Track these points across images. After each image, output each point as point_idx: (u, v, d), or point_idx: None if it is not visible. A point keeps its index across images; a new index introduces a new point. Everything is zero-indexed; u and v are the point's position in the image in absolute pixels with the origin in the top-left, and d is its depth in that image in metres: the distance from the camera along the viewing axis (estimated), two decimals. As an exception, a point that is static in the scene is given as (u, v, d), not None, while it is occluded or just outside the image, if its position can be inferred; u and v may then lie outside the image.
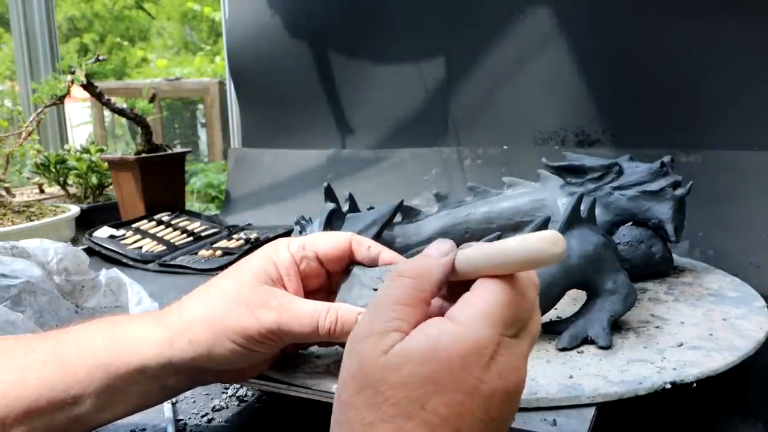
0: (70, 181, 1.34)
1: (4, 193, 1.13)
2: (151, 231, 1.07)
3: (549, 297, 0.50)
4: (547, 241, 0.29)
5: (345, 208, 0.66)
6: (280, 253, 0.43)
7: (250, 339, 0.39)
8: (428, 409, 0.29)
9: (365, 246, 0.45)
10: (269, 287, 0.41)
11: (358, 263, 0.45)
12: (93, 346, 0.40)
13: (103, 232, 1.05)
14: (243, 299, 0.40)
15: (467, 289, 0.32)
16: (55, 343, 0.40)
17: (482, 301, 0.30)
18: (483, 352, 0.29)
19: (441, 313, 0.33)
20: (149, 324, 0.41)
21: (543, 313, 0.52)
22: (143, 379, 0.40)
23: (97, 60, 1.13)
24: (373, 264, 0.45)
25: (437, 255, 0.33)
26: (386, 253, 0.45)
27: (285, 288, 0.42)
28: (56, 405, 0.38)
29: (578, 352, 0.50)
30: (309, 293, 0.44)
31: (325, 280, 0.46)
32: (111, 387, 0.39)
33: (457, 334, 0.29)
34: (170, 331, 0.40)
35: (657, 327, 0.54)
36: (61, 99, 1.10)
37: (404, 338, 0.30)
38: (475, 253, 0.32)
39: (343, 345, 0.47)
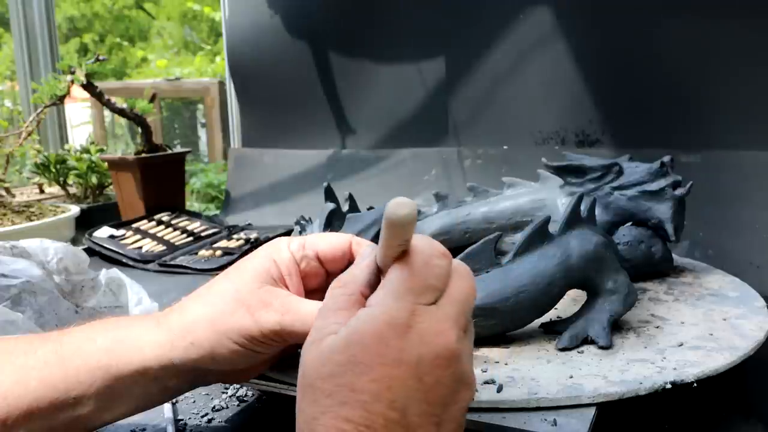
0: (70, 181, 1.34)
1: (4, 193, 1.13)
2: (151, 231, 1.07)
3: (549, 297, 0.50)
4: (392, 206, 0.30)
5: (345, 208, 0.66)
6: (281, 252, 0.43)
7: (252, 340, 0.39)
8: (357, 389, 0.30)
9: (364, 247, 0.45)
10: (271, 287, 0.41)
11: None
12: (94, 348, 0.40)
13: (103, 232, 1.05)
14: (244, 300, 0.40)
15: None
16: (56, 344, 0.40)
17: (388, 281, 0.32)
18: (396, 323, 0.30)
19: None
20: (150, 325, 0.41)
21: (543, 314, 0.52)
22: (144, 381, 0.40)
23: (97, 60, 1.13)
24: None
25: (359, 259, 0.36)
26: None
27: (286, 287, 0.42)
28: (57, 406, 0.38)
29: (578, 352, 0.50)
30: (308, 293, 0.44)
31: (324, 280, 0.46)
32: (112, 388, 0.39)
33: (369, 315, 0.31)
34: (171, 332, 0.40)
35: (657, 327, 0.54)
36: (61, 99, 1.10)
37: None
38: (378, 244, 0.34)
39: None
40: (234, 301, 0.40)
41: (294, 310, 0.40)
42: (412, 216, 0.30)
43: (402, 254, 0.32)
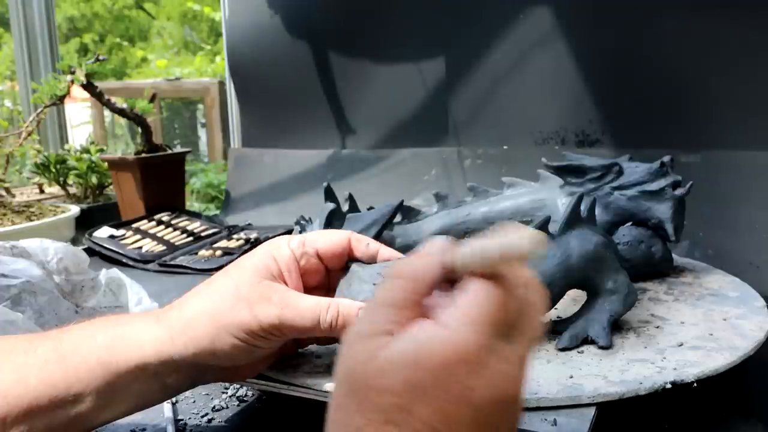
0: (70, 181, 1.34)
1: (4, 193, 1.13)
2: (151, 231, 1.07)
3: (549, 297, 0.50)
4: (534, 239, 0.28)
5: (345, 208, 0.66)
6: (280, 250, 0.44)
7: (251, 334, 0.40)
8: (414, 415, 0.28)
9: (364, 243, 0.45)
10: (270, 282, 0.42)
11: (358, 260, 0.45)
12: (94, 344, 0.40)
13: (103, 232, 1.05)
14: (244, 295, 0.40)
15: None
16: (56, 342, 0.40)
17: (468, 304, 0.29)
18: (470, 359, 0.28)
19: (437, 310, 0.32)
20: (150, 321, 0.42)
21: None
22: (144, 377, 0.40)
23: (97, 60, 1.13)
24: (371, 261, 0.45)
25: (432, 253, 0.31)
26: (384, 250, 0.45)
27: (285, 284, 0.43)
28: (57, 404, 0.38)
29: (578, 352, 0.50)
30: (308, 290, 0.44)
31: (324, 278, 0.46)
32: (111, 385, 0.39)
33: (445, 340, 0.28)
34: (171, 327, 0.41)
35: (657, 327, 0.54)
36: (61, 99, 1.10)
37: (393, 342, 0.29)
38: (465, 250, 0.30)
39: (339, 340, 0.47)
40: (234, 296, 0.41)
41: (293, 305, 0.40)
42: (541, 249, 0.27)
43: (492, 273, 0.29)
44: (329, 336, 0.45)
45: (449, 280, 0.31)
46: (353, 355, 0.30)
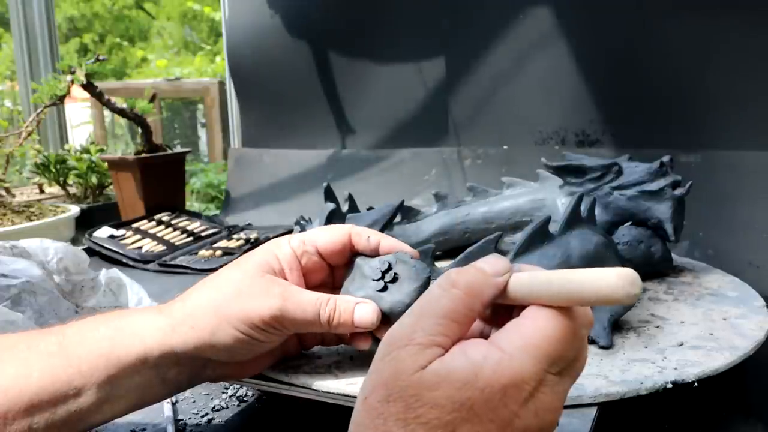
0: (70, 181, 1.34)
1: (4, 193, 1.13)
2: (151, 231, 1.07)
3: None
4: (626, 280, 0.27)
5: (345, 208, 0.66)
6: (281, 248, 0.44)
7: (252, 326, 0.40)
8: None
9: (364, 237, 0.45)
10: (272, 276, 0.42)
11: (361, 254, 0.45)
12: (96, 337, 0.40)
13: (103, 232, 1.05)
14: (246, 287, 0.41)
15: (509, 312, 0.31)
16: (59, 336, 0.41)
17: (532, 333, 0.29)
18: (524, 387, 0.28)
19: (478, 331, 0.32)
20: (152, 313, 0.42)
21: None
22: (144, 369, 0.40)
23: (97, 60, 1.13)
24: (374, 253, 0.45)
25: (492, 272, 0.31)
26: (386, 241, 0.45)
27: (287, 281, 0.43)
28: (58, 398, 0.38)
29: (578, 352, 0.50)
30: (312, 288, 0.44)
31: (328, 275, 0.46)
32: (113, 377, 0.39)
33: (500, 364, 0.28)
34: (173, 318, 0.41)
35: (657, 327, 0.54)
36: (61, 99, 1.10)
37: (444, 356, 0.29)
38: (536, 279, 0.30)
39: (345, 341, 0.47)
40: (236, 289, 0.41)
41: (294, 298, 0.40)
42: (639, 295, 0.27)
43: (560, 307, 0.29)
44: (331, 334, 0.45)
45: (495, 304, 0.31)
46: (399, 361, 0.29)
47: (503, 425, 0.28)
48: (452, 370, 0.28)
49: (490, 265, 0.31)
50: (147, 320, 0.41)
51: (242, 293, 0.41)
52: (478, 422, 0.27)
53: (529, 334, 0.29)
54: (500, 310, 0.31)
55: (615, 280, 0.27)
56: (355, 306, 0.41)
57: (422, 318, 0.30)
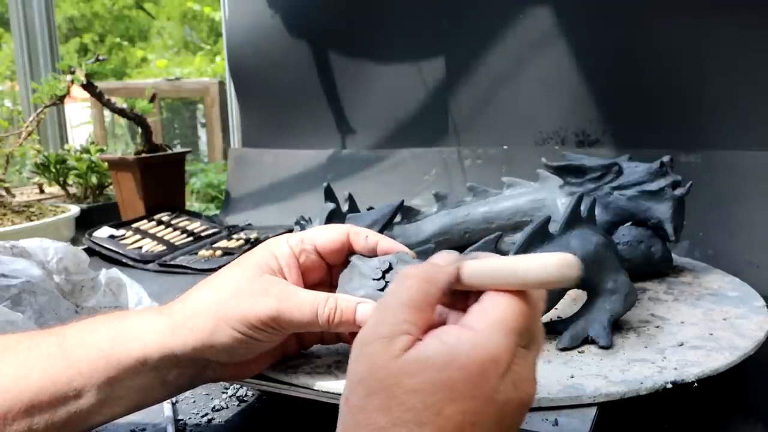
0: (70, 181, 1.34)
1: (4, 193, 1.13)
2: (151, 231, 1.07)
3: (549, 297, 0.50)
4: (566, 265, 0.29)
5: (345, 208, 0.66)
6: (279, 247, 0.44)
7: (250, 326, 0.40)
8: (443, 415, 0.28)
9: (363, 236, 0.45)
10: (270, 276, 0.42)
11: (358, 254, 0.45)
12: (96, 338, 0.40)
13: (103, 232, 1.05)
14: (244, 288, 0.41)
15: (467, 300, 0.32)
16: (60, 336, 0.41)
17: (498, 311, 0.30)
18: (500, 360, 0.29)
19: (442, 320, 0.33)
20: (152, 315, 0.42)
21: (543, 314, 0.52)
22: (144, 371, 0.40)
23: (97, 60, 1.13)
24: (372, 253, 0.45)
25: (443, 263, 0.33)
26: (384, 242, 0.45)
27: (285, 280, 0.43)
28: (58, 399, 0.38)
29: (579, 352, 0.50)
30: (310, 287, 0.44)
31: (326, 274, 0.46)
32: (113, 379, 0.39)
33: (475, 342, 0.29)
34: (172, 320, 0.41)
35: (657, 327, 0.54)
36: (61, 99, 1.10)
37: (415, 343, 0.30)
38: (486, 266, 0.32)
39: (344, 340, 0.47)
40: (234, 290, 0.41)
41: (292, 297, 0.40)
42: (578, 279, 0.30)
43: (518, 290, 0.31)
44: (330, 333, 0.45)
45: (452, 291, 0.33)
46: (372, 356, 0.30)
47: (487, 400, 0.29)
48: (430, 355, 0.29)
49: (441, 257, 0.34)
50: (147, 322, 0.41)
51: (240, 293, 0.41)
52: (462, 400, 0.28)
53: (496, 313, 0.30)
54: (460, 297, 0.33)
55: (553, 265, 0.29)
56: (356, 305, 0.41)
57: (383, 313, 0.31)
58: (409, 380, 0.29)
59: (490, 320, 0.30)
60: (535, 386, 0.31)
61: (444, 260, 0.33)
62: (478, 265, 0.32)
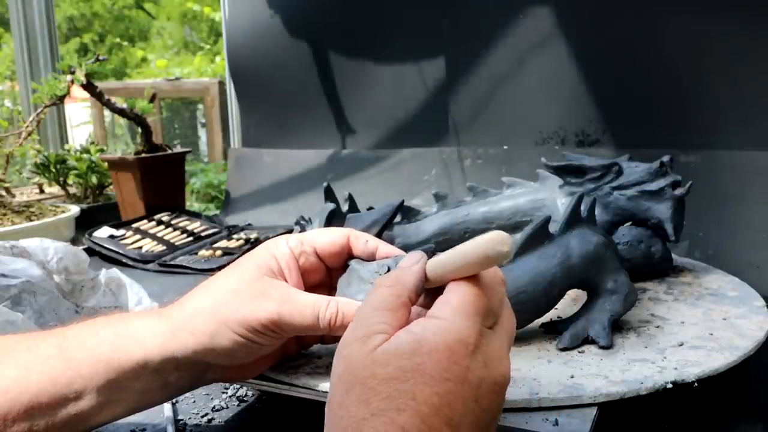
0: (70, 181, 1.34)
1: (4, 193, 1.13)
2: (151, 231, 1.07)
3: (549, 297, 0.50)
4: (494, 241, 0.31)
5: (345, 208, 0.66)
6: (279, 248, 0.44)
7: (251, 329, 0.40)
8: (419, 399, 0.29)
9: (362, 240, 0.45)
10: (270, 279, 0.42)
11: (357, 258, 0.45)
12: (96, 341, 0.40)
13: (103, 232, 1.05)
14: (245, 290, 0.41)
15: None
16: (60, 338, 0.41)
17: (457, 297, 0.32)
18: (467, 341, 0.31)
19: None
20: (152, 318, 0.42)
21: (543, 314, 0.52)
22: (145, 374, 0.40)
23: (97, 60, 1.13)
24: (371, 258, 0.45)
25: (409, 264, 0.35)
26: (384, 247, 0.45)
27: (286, 281, 0.43)
28: (58, 400, 0.38)
29: (579, 352, 0.50)
30: (310, 289, 0.44)
31: (325, 276, 0.46)
32: (113, 382, 0.39)
33: (440, 327, 0.31)
34: (173, 323, 0.41)
35: (657, 327, 0.54)
36: (61, 99, 1.10)
37: (390, 338, 0.32)
38: (440, 260, 0.34)
39: None
40: (233, 292, 0.41)
41: (292, 301, 0.40)
42: (511, 254, 0.31)
43: (474, 276, 0.33)
44: (332, 335, 0.45)
45: (425, 291, 0.36)
46: (349, 356, 0.32)
47: (459, 380, 0.30)
48: (399, 345, 0.31)
49: (407, 259, 0.36)
50: (147, 325, 0.41)
51: (240, 296, 0.40)
52: (435, 383, 0.30)
53: (456, 299, 0.32)
54: (436, 295, 0.34)
55: (485, 244, 0.31)
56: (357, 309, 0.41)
57: (359, 318, 0.33)
58: (382, 370, 0.30)
59: (452, 307, 0.32)
60: (507, 366, 0.32)
61: (410, 261, 0.36)
62: (435, 260, 0.35)
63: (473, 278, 0.33)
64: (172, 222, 1.12)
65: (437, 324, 0.31)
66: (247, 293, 0.40)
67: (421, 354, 0.30)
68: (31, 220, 1.01)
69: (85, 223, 1.14)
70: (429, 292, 0.36)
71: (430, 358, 0.30)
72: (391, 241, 0.70)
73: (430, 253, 0.37)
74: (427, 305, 0.35)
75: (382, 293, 0.34)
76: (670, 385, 0.44)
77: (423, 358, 0.30)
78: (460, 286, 0.33)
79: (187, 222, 1.12)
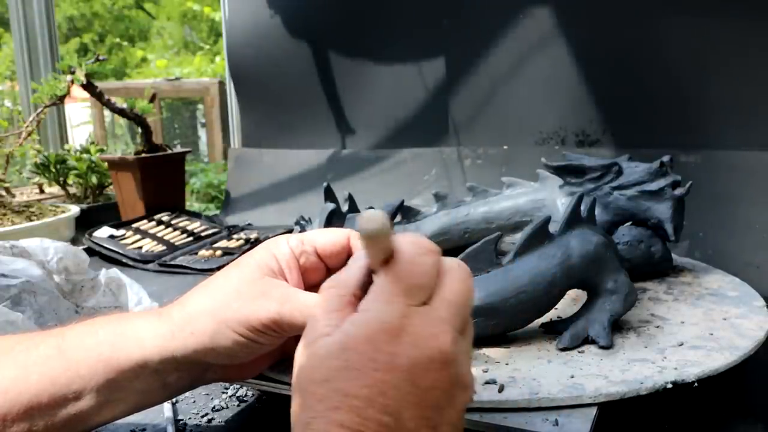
0: (70, 181, 1.34)
1: (4, 193, 1.13)
2: (151, 231, 1.07)
3: (549, 297, 0.50)
4: (368, 220, 0.30)
5: (345, 208, 0.66)
6: (280, 247, 0.44)
7: (251, 329, 0.40)
8: (351, 394, 0.29)
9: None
10: (270, 279, 0.42)
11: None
12: (96, 341, 0.40)
13: (103, 232, 1.05)
14: (245, 290, 0.41)
15: None
16: (59, 339, 0.40)
17: (377, 285, 0.32)
18: (388, 327, 0.30)
19: None
20: (152, 318, 0.42)
21: (543, 314, 0.52)
22: (145, 374, 0.40)
23: (97, 60, 1.13)
24: None
25: (353, 261, 0.35)
26: None
27: (286, 281, 0.42)
28: (57, 401, 0.38)
29: (579, 352, 0.50)
30: (310, 288, 0.44)
31: (325, 276, 0.46)
32: (112, 382, 0.39)
33: (361, 319, 0.31)
34: (173, 323, 0.41)
35: (657, 327, 0.54)
36: (61, 99, 1.10)
37: (326, 337, 0.32)
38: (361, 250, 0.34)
39: None
40: (234, 292, 0.41)
41: (293, 301, 0.40)
42: (382, 230, 0.30)
43: (389, 257, 0.32)
44: None
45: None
46: (297, 361, 0.32)
47: (387, 368, 0.30)
48: (328, 345, 0.31)
49: (353, 257, 0.36)
50: (147, 325, 0.41)
51: (241, 296, 0.40)
52: (363, 376, 0.29)
53: (375, 286, 0.32)
54: None
55: (360, 222, 0.31)
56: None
57: (309, 323, 0.33)
58: (316, 373, 0.30)
59: (373, 294, 0.32)
60: (446, 340, 0.31)
61: (356, 257, 0.35)
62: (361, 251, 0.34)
63: (392, 259, 0.32)
64: (172, 222, 1.12)
65: (358, 317, 0.31)
66: (248, 293, 0.40)
67: (347, 350, 0.30)
68: (31, 220, 1.01)
69: (85, 223, 1.14)
70: None
71: (356, 352, 0.30)
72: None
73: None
74: None
75: (326, 295, 0.34)
76: (670, 385, 0.44)
77: (348, 354, 0.30)
78: (379, 271, 0.32)
79: (187, 222, 1.12)
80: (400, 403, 0.29)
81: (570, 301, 0.58)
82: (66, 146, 1.44)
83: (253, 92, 1.41)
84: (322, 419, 0.29)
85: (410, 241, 0.33)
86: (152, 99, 1.21)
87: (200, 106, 3.77)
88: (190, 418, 0.50)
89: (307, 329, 0.33)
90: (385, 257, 0.32)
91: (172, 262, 0.94)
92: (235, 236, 1.06)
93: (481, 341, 0.51)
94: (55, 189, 1.39)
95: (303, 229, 0.64)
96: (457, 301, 0.32)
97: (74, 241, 1.09)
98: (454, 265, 0.34)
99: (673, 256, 0.70)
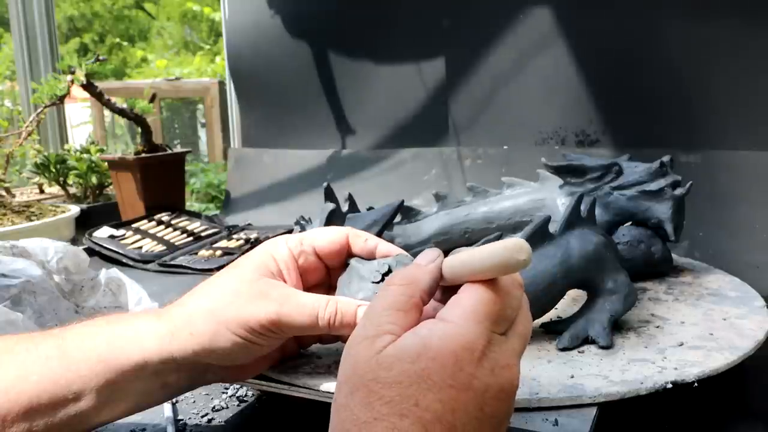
0: (70, 181, 1.34)
1: (4, 193, 1.13)
2: (151, 231, 1.07)
3: (549, 297, 0.50)
4: (512, 250, 0.31)
5: (345, 208, 0.66)
6: (278, 248, 0.44)
7: (250, 330, 0.40)
8: (422, 405, 0.29)
9: (362, 239, 0.45)
10: (269, 279, 0.42)
11: (357, 256, 0.45)
12: (95, 341, 0.40)
13: (103, 232, 1.05)
14: (244, 291, 0.41)
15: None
16: (59, 339, 0.40)
17: (469, 301, 0.32)
18: (474, 347, 0.30)
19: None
20: (152, 319, 0.42)
21: (543, 314, 0.52)
22: (144, 375, 0.40)
23: (97, 60, 1.13)
24: (370, 256, 0.45)
25: (425, 262, 0.34)
26: (383, 245, 0.45)
27: (285, 282, 0.43)
28: (57, 401, 0.38)
29: (579, 352, 0.50)
30: (309, 288, 0.44)
31: (325, 275, 0.46)
32: (112, 382, 0.39)
33: (447, 332, 0.30)
34: (172, 324, 0.41)
35: (657, 327, 0.54)
36: (61, 99, 1.10)
37: (397, 339, 0.31)
38: (457, 260, 0.34)
39: (343, 340, 0.47)
40: (233, 293, 0.41)
41: (292, 302, 0.40)
42: (528, 262, 0.31)
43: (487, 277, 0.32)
44: (330, 334, 0.45)
45: (442, 288, 0.35)
46: (356, 356, 0.31)
47: (463, 387, 0.30)
48: (404, 348, 0.30)
49: (423, 256, 0.35)
50: (146, 326, 0.41)
51: (240, 297, 0.40)
52: (438, 389, 0.29)
53: (467, 303, 0.32)
54: (453, 293, 0.34)
55: (503, 252, 0.31)
56: (357, 308, 0.41)
57: (369, 316, 0.33)
58: (386, 374, 0.30)
59: (462, 310, 0.31)
60: (516, 373, 0.31)
61: (425, 259, 0.35)
62: (452, 260, 0.34)
63: (490, 282, 0.32)
64: (172, 222, 1.12)
65: (444, 328, 0.31)
66: (247, 294, 0.40)
67: (426, 359, 0.30)
68: (31, 220, 1.01)
69: (85, 223, 1.14)
70: (445, 287, 0.35)
71: (435, 364, 0.29)
72: (391, 241, 0.70)
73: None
74: (444, 300, 0.34)
75: (393, 292, 0.33)
76: (670, 385, 0.44)
77: (427, 363, 0.29)
78: (474, 289, 0.32)
79: (187, 222, 1.12)
80: (465, 425, 0.29)
81: (570, 301, 0.58)
82: (66, 146, 1.44)
83: (253, 92, 1.41)
84: (385, 422, 0.29)
85: (515, 276, 0.34)
86: (152, 99, 1.21)
87: (200, 106, 3.77)
88: (190, 418, 0.50)
89: (365, 320, 0.33)
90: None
91: (172, 262, 0.94)
92: (235, 236, 1.06)
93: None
94: (55, 189, 1.39)
95: (303, 229, 0.64)
96: (525, 336, 0.33)
97: (74, 241, 1.09)
98: (527, 301, 0.35)
99: (673, 256, 0.70)
